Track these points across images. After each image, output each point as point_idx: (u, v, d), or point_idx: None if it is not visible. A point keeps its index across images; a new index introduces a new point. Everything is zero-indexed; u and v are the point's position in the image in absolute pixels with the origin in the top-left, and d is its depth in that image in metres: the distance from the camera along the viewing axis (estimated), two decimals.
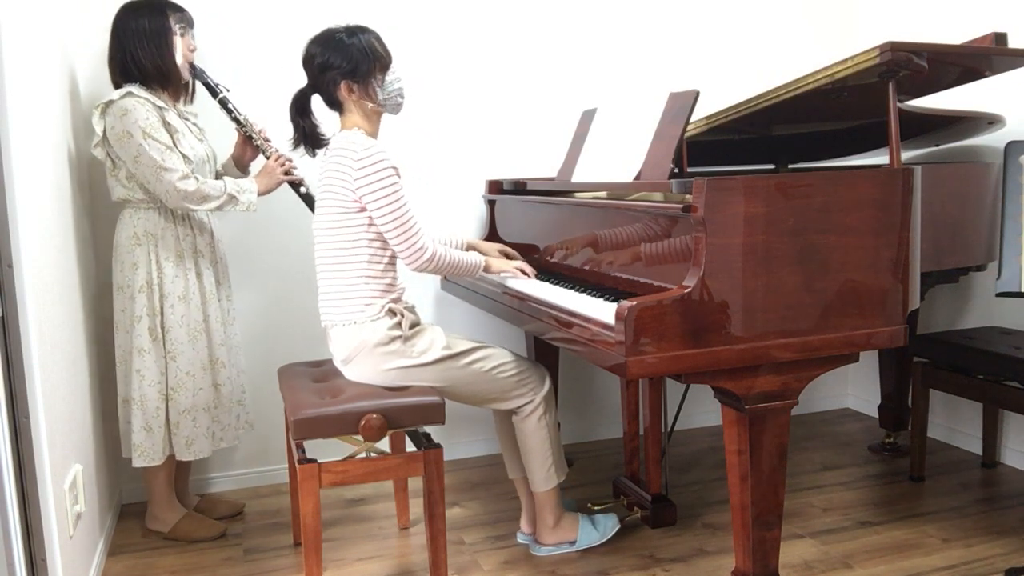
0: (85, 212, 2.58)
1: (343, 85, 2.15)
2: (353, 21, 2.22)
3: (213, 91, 2.50)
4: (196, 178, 2.33)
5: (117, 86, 2.38)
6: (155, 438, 2.41)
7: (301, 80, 2.22)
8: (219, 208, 2.37)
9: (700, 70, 3.35)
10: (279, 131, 2.83)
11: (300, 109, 2.22)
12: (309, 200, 2.53)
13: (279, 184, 2.52)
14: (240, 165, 2.63)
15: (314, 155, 2.27)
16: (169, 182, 2.28)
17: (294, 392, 2.15)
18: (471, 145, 3.11)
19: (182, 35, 2.40)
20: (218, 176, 2.58)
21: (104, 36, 2.62)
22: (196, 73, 2.48)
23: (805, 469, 3.01)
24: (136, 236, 2.38)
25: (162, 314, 2.39)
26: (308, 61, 2.18)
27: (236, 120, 2.53)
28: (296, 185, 2.55)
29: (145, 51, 2.34)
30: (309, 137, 2.24)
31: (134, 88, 2.33)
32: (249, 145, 2.59)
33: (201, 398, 2.44)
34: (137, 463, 2.40)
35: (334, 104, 2.20)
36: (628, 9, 3.24)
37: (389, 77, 2.20)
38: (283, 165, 2.52)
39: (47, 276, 1.96)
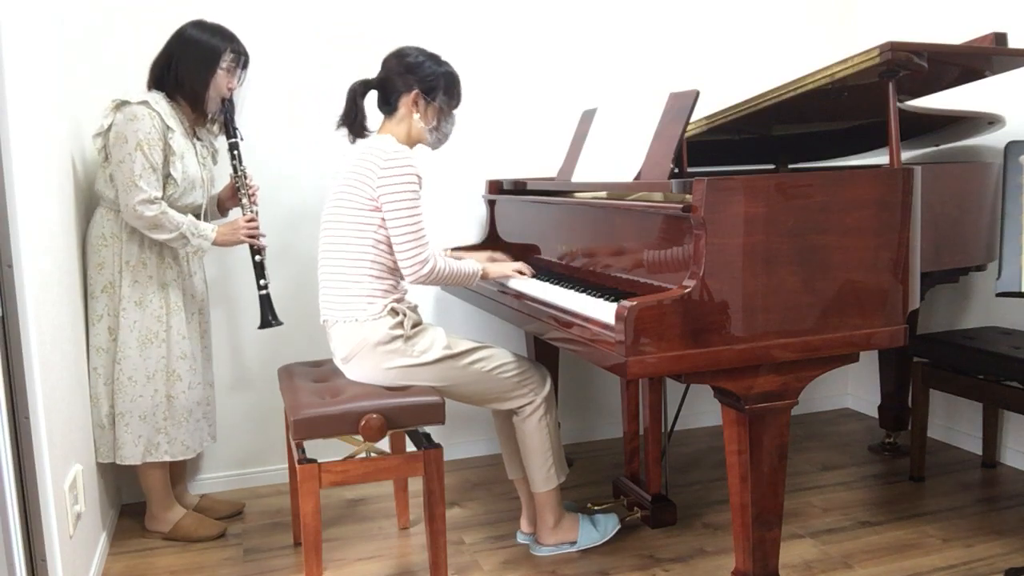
0: (85, 212, 2.58)
1: (414, 94, 2.20)
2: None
3: (228, 132, 2.52)
4: (161, 205, 2.30)
5: (149, 88, 2.40)
6: (107, 436, 2.43)
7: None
8: (168, 242, 2.35)
9: (700, 70, 3.35)
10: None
11: (361, 93, 2.25)
12: (259, 268, 2.51)
13: (238, 243, 2.49)
14: (221, 208, 2.64)
15: (354, 141, 2.28)
16: (133, 199, 2.28)
17: (294, 392, 2.15)
18: (471, 145, 3.11)
19: (228, 71, 2.41)
20: (220, 206, 2.60)
21: (106, 37, 2.63)
22: (224, 109, 2.48)
23: (805, 469, 3.01)
24: (103, 236, 2.39)
25: (117, 316, 2.40)
26: (396, 58, 2.23)
27: (234, 168, 2.53)
28: (254, 251, 2.52)
29: (188, 67, 2.36)
30: (356, 123, 2.26)
31: (154, 97, 2.35)
32: (235, 196, 2.58)
33: (139, 405, 2.41)
34: (99, 459, 2.42)
35: (389, 105, 2.24)
36: (628, 9, 3.24)
37: (452, 117, 2.30)
38: (251, 230, 2.48)
39: (47, 276, 1.96)
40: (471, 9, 3.06)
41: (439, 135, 2.30)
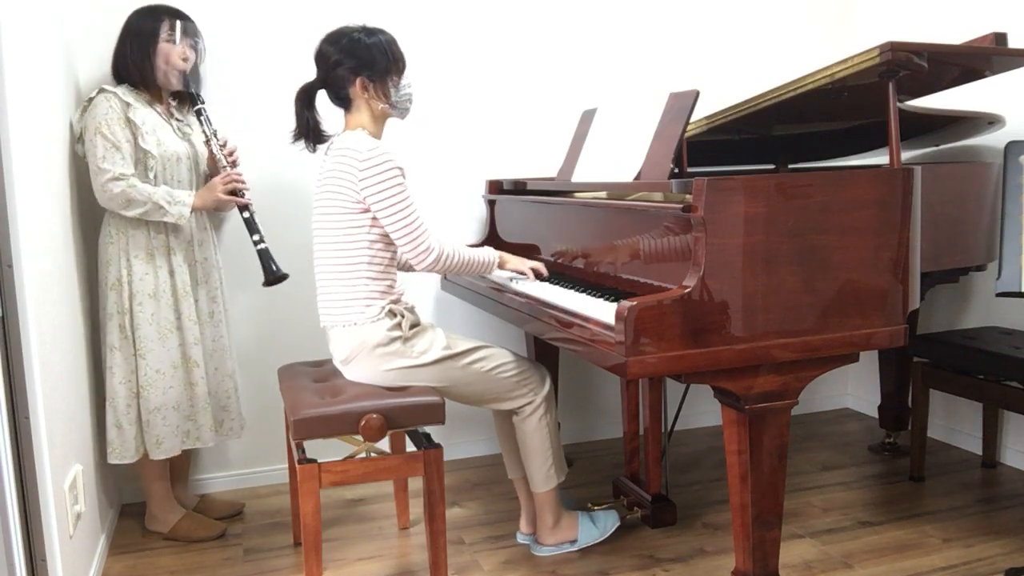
0: (85, 212, 2.58)
1: (358, 81, 2.14)
2: (359, 21, 2.23)
3: (192, 101, 2.52)
4: (127, 181, 2.30)
5: (116, 85, 2.43)
6: (126, 436, 2.41)
7: (295, 82, 2.21)
8: (144, 215, 2.34)
9: (700, 70, 3.35)
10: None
11: (306, 102, 2.21)
12: (250, 224, 2.49)
13: (220, 202, 2.46)
14: (208, 178, 2.62)
15: (314, 150, 2.26)
16: (101, 182, 2.30)
17: (294, 392, 2.15)
18: (471, 145, 3.11)
19: (168, 42, 2.42)
20: (207, 178, 2.57)
21: (104, 36, 2.62)
22: (186, 82, 2.48)
23: (805, 469, 3.01)
24: (110, 234, 2.40)
25: (131, 312, 2.39)
26: (323, 55, 2.17)
27: (204, 132, 2.52)
28: (240, 208, 2.50)
29: (130, 52, 2.41)
30: (311, 131, 2.23)
31: (110, 85, 2.39)
32: (214, 160, 2.58)
33: (171, 396, 2.43)
34: (111, 460, 2.41)
35: (342, 101, 2.19)
36: (628, 9, 3.24)
37: (403, 81, 2.21)
38: (228, 184, 2.46)
39: (47, 276, 1.96)
40: (471, 9, 3.06)
41: (399, 107, 2.23)
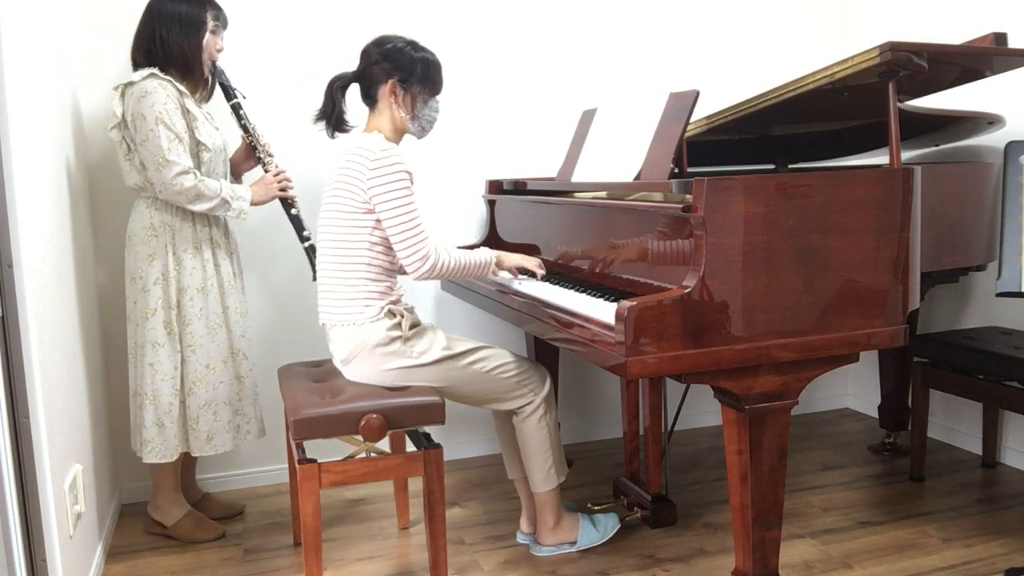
0: (85, 211, 2.58)
1: (391, 83, 2.17)
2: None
3: (229, 94, 2.51)
4: (196, 175, 2.30)
5: (137, 66, 2.36)
6: (167, 434, 2.38)
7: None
8: (211, 210, 2.34)
9: (700, 70, 3.35)
10: (286, 139, 2.84)
11: (338, 88, 2.23)
12: (297, 222, 2.53)
13: (273, 198, 2.51)
14: (235, 172, 2.62)
15: (333, 135, 2.26)
16: (168, 175, 2.26)
17: (294, 392, 2.15)
18: (471, 145, 3.11)
19: (214, 33, 2.41)
20: (233, 171, 2.58)
21: (103, 37, 2.63)
22: (216, 73, 2.48)
23: (805, 469, 3.01)
24: (152, 227, 2.36)
25: (179, 307, 2.36)
26: (367, 52, 2.21)
27: (244, 128, 2.52)
28: (288, 204, 2.54)
29: (176, 37, 2.34)
30: (335, 117, 2.24)
31: (156, 71, 2.31)
32: (251, 155, 2.58)
33: (222, 391, 2.42)
34: (148, 459, 2.38)
35: (370, 99, 2.22)
36: (628, 9, 3.24)
37: (432, 103, 2.25)
38: (281, 181, 2.52)
39: (47, 276, 1.96)
40: (472, 9, 3.06)
41: (420, 124, 2.25)
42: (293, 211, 2.54)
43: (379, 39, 2.22)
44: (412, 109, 2.21)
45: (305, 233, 2.53)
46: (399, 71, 2.18)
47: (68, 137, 2.40)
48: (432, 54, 2.24)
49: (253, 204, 2.45)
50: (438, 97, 2.28)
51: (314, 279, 2.48)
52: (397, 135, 2.24)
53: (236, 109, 2.50)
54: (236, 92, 2.51)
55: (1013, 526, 2.50)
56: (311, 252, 2.52)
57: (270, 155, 2.56)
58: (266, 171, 2.54)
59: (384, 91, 2.18)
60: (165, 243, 2.36)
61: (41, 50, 2.11)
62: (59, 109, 2.30)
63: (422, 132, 2.28)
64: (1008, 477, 2.88)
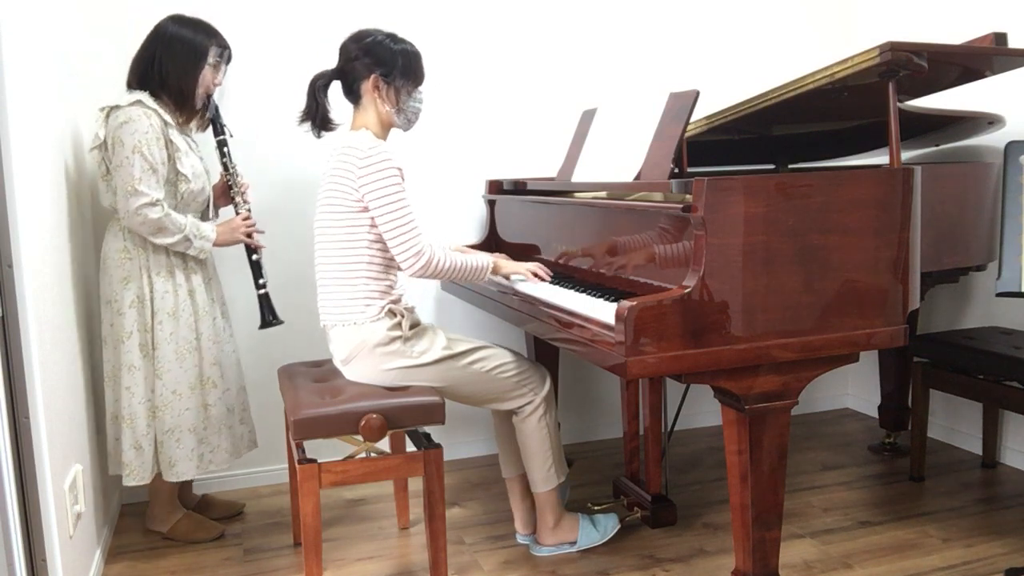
0: (85, 212, 2.58)
1: (372, 78, 2.16)
2: (360, 21, 2.23)
3: (217, 130, 2.48)
4: (163, 207, 2.26)
5: (129, 87, 2.34)
6: (145, 457, 2.35)
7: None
8: (172, 245, 2.31)
9: (700, 70, 3.35)
10: (286, 139, 2.84)
11: (319, 87, 2.22)
12: (256, 268, 2.50)
13: (237, 242, 2.47)
14: (214, 204, 2.56)
15: (319, 135, 2.26)
16: (134, 204, 2.23)
17: (294, 392, 2.15)
18: (471, 145, 3.11)
19: (214, 67, 2.38)
20: (208, 201, 2.53)
21: (104, 40, 2.63)
22: (209, 107, 2.45)
23: (805, 469, 3.01)
24: (127, 249, 2.34)
25: (152, 331, 2.34)
26: (345, 48, 2.19)
27: (225, 167, 2.49)
28: (251, 250, 2.50)
29: (174, 64, 2.31)
30: (319, 117, 2.23)
31: (144, 97, 2.29)
32: (226, 194, 2.54)
33: (187, 418, 2.37)
34: (128, 482, 2.35)
35: (353, 94, 2.20)
36: (628, 9, 3.24)
37: (416, 94, 2.23)
38: (249, 227, 2.47)
39: (47, 276, 1.96)
40: (471, 9, 3.06)
41: (406, 116, 2.24)
42: (255, 257, 2.50)
43: (357, 34, 2.20)
44: (397, 102, 2.20)
45: (261, 281, 2.49)
46: (380, 65, 2.16)
47: (68, 137, 2.40)
48: (412, 45, 2.23)
49: (216, 245, 2.41)
50: (421, 88, 2.26)
51: (261, 327, 2.50)
52: (384, 130, 2.23)
53: (221, 146, 2.48)
54: (225, 129, 2.49)
55: (1013, 526, 2.50)
56: (264, 300, 2.50)
57: (245, 200, 2.52)
58: (237, 213, 2.50)
59: (367, 87, 2.17)
60: (139, 266, 2.33)
61: (41, 50, 2.11)
62: (60, 112, 2.30)
63: (408, 124, 2.27)
64: (1008, 477, 2.88)
